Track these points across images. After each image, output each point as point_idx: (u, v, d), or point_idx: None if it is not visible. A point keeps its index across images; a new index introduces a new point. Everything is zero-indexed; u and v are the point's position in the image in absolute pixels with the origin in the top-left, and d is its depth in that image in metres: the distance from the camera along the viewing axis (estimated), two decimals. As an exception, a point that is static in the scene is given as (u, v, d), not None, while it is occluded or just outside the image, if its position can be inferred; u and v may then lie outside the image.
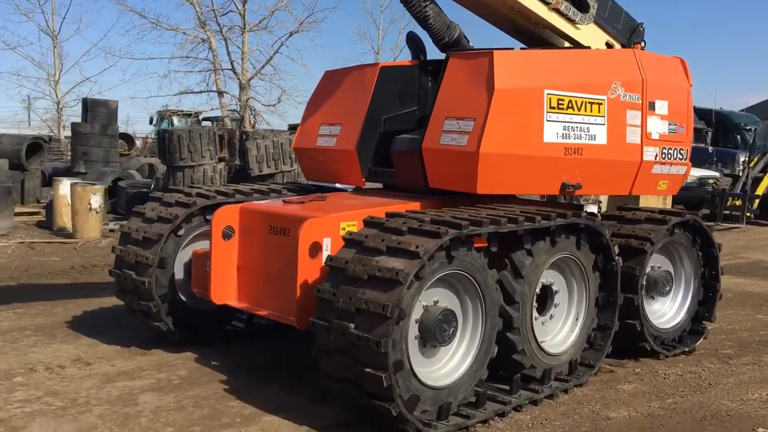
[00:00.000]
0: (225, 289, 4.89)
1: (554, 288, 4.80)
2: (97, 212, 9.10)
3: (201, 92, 22.21)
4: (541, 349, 4.52)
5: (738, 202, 15.16)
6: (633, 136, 5.60)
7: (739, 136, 23.57)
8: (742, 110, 29.99)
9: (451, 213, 4.29)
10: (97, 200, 8.94)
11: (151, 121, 25.63)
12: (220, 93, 22.30)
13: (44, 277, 7.56)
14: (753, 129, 20.38)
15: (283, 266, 4.45)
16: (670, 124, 5.93)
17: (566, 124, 5.05)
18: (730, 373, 5.09)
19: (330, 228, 4.36)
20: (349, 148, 5.43)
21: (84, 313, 6.08)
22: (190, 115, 23.17)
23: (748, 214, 15.23)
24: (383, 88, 5.51)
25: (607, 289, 5.01)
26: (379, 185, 5.75)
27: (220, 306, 4.91)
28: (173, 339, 5.22)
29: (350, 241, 3.94)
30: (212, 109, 23.02)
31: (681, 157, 6.09)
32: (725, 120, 24.38)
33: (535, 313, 4.63)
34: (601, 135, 5.32)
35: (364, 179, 5.51)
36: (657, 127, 5.80)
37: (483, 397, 4.03)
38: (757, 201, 15.54)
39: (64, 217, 9.81)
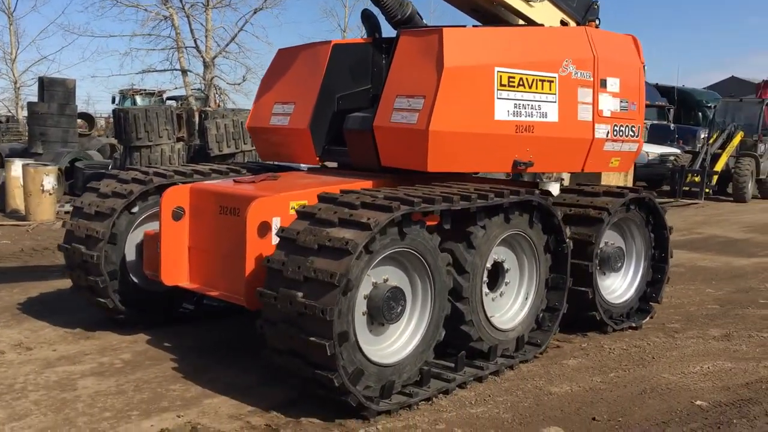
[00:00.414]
0: (176, 270, 4.84)
1: (506, 266, 4.85)
2: (50, 194, 8.90)
3: (164, 71, 21.71)
4: (490, 323, 4.57)
5: (697, 179, 15.43)
6: (584, 114, 5.65)
7: (700, 113, 24.05)
8: (705, 88, 30.46)
9: (405, 191, 4.30)
10: (50, 181, 8.74)
11: (113, 101, 25.00)
12: (184, 71, 21.83)
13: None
14: (714, 106, 20.71)
15: (233, 246, 4.41)
16: (621, 102, 5.99)
17: (517, 102, 5.07)
18: (674, 346, 5.16)
19: (279, 207, 4.33)
20: (302, 126, 5.39)
21: (30, 296, 5.97)
22: (153, 94, 22.74)
23: (707, 190, 15.51)
24: (336, 66, 5.46)
25: (558, 271, 5.07)
26: (335, 164, 5.73)
27: (172, 287, 4.87)
28: (121, 319, 5.16)
29: (303, 213, 3.94)
30: (176, 88, 22.60)
31: (633, 134, 6.17)
32: (687, 97, 24.83)
33: (485, 289, 4.69)
34: (552, 112, 5.36)
35: (318, 158, 5.48)
36: (608, 104, 5.86)
37: (427, 375, 4.07)
38: (715, 177, 15.81)
39: (17, 200, 9.57)
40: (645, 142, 20.46)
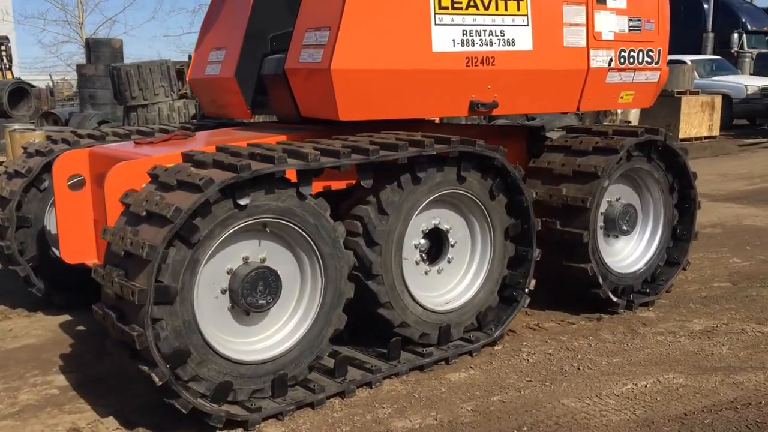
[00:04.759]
0: (79, 247, 4.27)
1: (451, 237, 3.93)
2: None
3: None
4: (419, 304, 3.70)
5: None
6: (574, 38, 4.53)
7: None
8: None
9: (289, 146, 3.47)
10: (39, 147, 8.47)
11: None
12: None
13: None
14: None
15: (112, 219, 3.79)
16: (631, 21, 4.78)
17: (467, 28, 4.04)
18: (622, 349, 3.88)
19: (152, 173, 3.63)
20: (229, 75, 4.62)
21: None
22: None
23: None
24: (267, 1, 4.62)
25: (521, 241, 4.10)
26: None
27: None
28: (60, 302, 4.74)
29: (151, 175, 3.24)
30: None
31: (650, 60, 4.94)
32: (804, 17, 21.63)
33: (422, 263, 3.83)
34: (523, 39, 4.29)
35: (249, 111, 4.71)
36: (610, 24, 4.68)
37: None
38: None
39: (18, 167, 9.35)
40: (750, 74, 18.07)
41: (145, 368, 2.86)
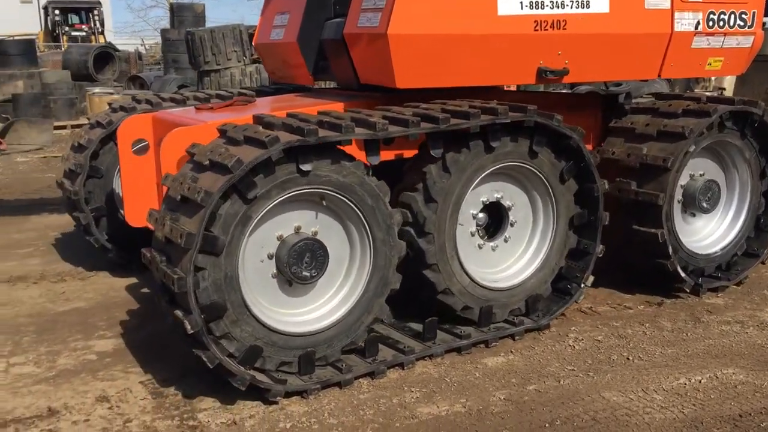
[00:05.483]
0: (143, 211, 4.34)
1: (511, 210, 3.76)
2: (115, 122, 8.76)
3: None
4: (467, 274, 3.55)
5: None
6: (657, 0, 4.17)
7: None
8: None
9: (358, 114, 3.42)
10: (115, 110, 8.69)
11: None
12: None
13: (11, 194, 7.04)
14: None
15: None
16: (722, -21, 4.37)
17: (536, -11, 3.79)
18: (681, 339, 3.55)
19: (207, 138, 3.63)
20: (292, 39, 4.56)
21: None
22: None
23: None
24: (331, -39, 4.49)
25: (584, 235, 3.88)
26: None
27: None
28: (117, 260, 4.89)
29: (220, 131, 3.28)
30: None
31: (743, 23, 4.53)
32: None
33: (477, 237, 3.69)
34: (599, 0, 3.98)
35: (311, 77, 4.64)
36: (698, -16, 4.29)
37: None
38: None
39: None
40: None
41: (180, 314, 2.86)
